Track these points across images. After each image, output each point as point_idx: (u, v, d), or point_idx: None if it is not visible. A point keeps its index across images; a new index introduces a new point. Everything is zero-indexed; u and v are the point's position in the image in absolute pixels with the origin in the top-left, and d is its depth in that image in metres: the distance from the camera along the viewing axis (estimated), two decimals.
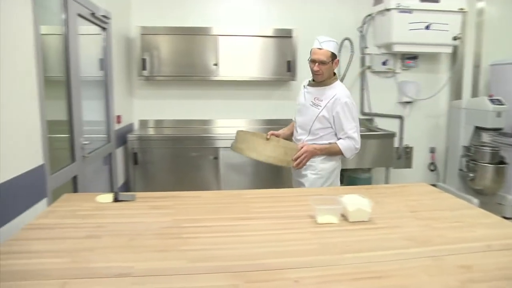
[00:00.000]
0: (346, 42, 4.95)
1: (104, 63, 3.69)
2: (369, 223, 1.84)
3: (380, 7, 4.77)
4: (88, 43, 3.34)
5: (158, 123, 4.95)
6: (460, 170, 4.86)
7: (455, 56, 5.10)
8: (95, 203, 2.08)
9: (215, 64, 4.50)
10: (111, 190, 3.75)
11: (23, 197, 2.04)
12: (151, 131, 4.72)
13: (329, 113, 2.76)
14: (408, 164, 5.34)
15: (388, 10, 4.65)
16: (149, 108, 4.91)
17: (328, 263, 1.44)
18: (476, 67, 5.10)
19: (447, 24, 4.70)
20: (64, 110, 2.81)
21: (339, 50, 4.91)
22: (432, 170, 5.51)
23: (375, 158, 4.60)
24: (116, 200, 2.10)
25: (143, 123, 4.93)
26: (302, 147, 2.77)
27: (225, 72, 4.54)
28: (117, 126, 4.02)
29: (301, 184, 2.92)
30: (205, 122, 5.00)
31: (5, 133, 1.91)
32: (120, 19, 4.19)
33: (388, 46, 4.92)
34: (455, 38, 4.75)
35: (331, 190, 2.52)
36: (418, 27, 4.66)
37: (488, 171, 4.47)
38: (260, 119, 5.04)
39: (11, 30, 2.00)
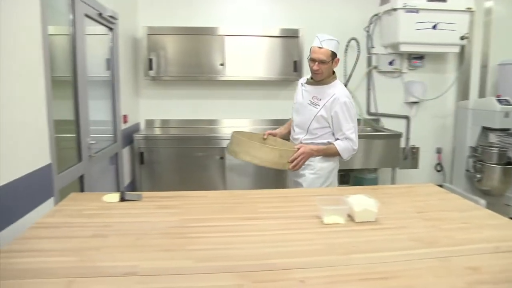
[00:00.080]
0: (353, 42, 4.94)
1: (111, 63, 3.70)
2: (376, 223, 1.83)
3: (387, 6, 4.75)
4: (95, 43, 3.36)
5: (164, 123, 4.96)
6: (467, 170, 4.83)
7: (463, 56, 5.07)
8: (101, 203, 2.08)
9: (222, 64, 4.51)
10: (118, 189, 3.76)
11: (30, 196, 2.05)
12: (157, 131, 4.73)
13: (328, 113, 2.71)
14: (414, 164, 5.32)
15: (394, 9, 4.63)
16: (156, 108, 4.92)
17: (334, 263, 1.44)
18: (484, 67, 5.07)
19: (454, 23, 4.67)
20: (71, 110, 2.82)
21: (345, 50, 4.94)
22: (438, 171, 5.48)
23: (382, 159, 4.59)
24: (122, 199, 2.11)
25: (149, 123, 4.94)
26: (298, 149, 2.71)
27: (231, 72, 4.55)
28: (123, 126, 4.03)
29: (298, 184, 2.86)
30: (211, 122, 5.01)
31: (13, 132, 1.92)
32: (127, 19, 4.21)
33: (394, 46, 4.90)
34: (462, 38, 4.72)
35: (338, 191, 2.51)
36: (425, 26, 4.63)
37: (496, 172, 4.43)
38: (266, 119, 5.04)
39: (20, 30, 2.01)
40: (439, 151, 5.44)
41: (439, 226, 1.81)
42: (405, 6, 4.56)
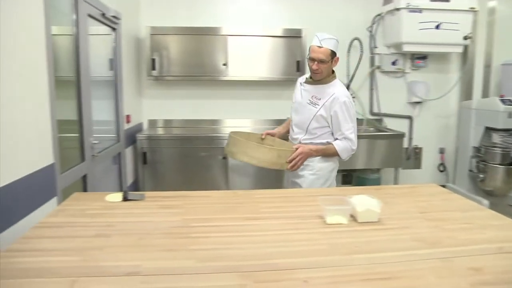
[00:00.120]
0: (356, 42, 4.93)
1: (113, 63, 3.71)
2: (378, 224, 1.82)
3: (390, 6, 4.75)
4: (98, 43, 3.36)
5: (167, 123, 4.97)
6: (470, 171, 4.82)
7: (466, 55, 5.07)
8: (104, 202, 2.09)
9: (224, 64, 4.51)
10: (120, 189, 3.78)
11: (33, 195, 2.06)
12: (160, 131, 4.74)
13: (327, 112, 2.68)
14: (417, 164, 5.31)
15: (397, 9, 4.62)
16: (158, 108, 4.93)
17: (337, 263, 1.43)
18: (487, 66, 5.06)
19: (457, 23, 4.65)
20: (74, 110, 2.83)
21: (348, 50, 4.93)
22: (441, 171, 5.47)
23: (384, 159, 4.58)
24: (125, 199, 2.11)
25: (152, 123, 4.95)
26: (297, 148, 2.68)
27: (234, 72, 4.55)
28: (126, 126, 4.04)
29: (297, 185, 2.82)
30: (214, 122, 5.01)
31: (17, 132, 1.93)
32: (129, 19, 4.22)
33: (397, 46, 4.89)
34: (465, 38, 4.70)
35: (340, 191, 2.51)
36: (428, 26, 4.62)
37: (499, 172, 4.42)
38: (269, 119, 5.04)
39: (23, 30, 2.02)
40: (442, 151, 5.43)
41: (442, 226, 1.80)
42: (408, 6, 4.55)
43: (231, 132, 2.82)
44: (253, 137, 2.99)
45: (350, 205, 1.86)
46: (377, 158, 4.55)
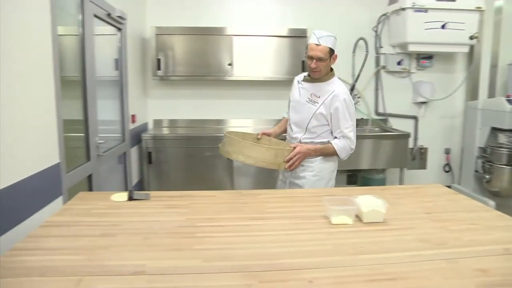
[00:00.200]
0: (361, 41, 4.92)
1: (119, 63, 3.72)
2: (384, 224, 1.82)
3: (395, 6, 4.73)
4: (103, 44, 3.38)
5: (172, 123, 4.98)
6: (476, 171, 4.79)
7: (472, 55, 5.04)
8: (110, 202, 2.10)
9: (230, 64, 4.52)
10: (126, 189, 3.79)
11: (39, 195, 2.07)
12: (165, 131, 4.76)
13: (327, 110, 2.63)
14: (422, 165, 5.29)
15: (403, 9, 4.60)
16: (164, 108, 4.94)
17: (342, 264, 1.43)
18: (493, 66, 5.03)
19: (463, 23, 4.63)
20: (80, 110, 2.84)
21: (354, 50, 4.92)
22: (447, 171, 5.44)
23: (390, 159, 4.57)
24: (130, 199, 2.12)
25: (158, 123, 4.96)
26: (294, 148, 2.62)
27: (239, 72, 4.55)
28: (131, 126, 4.05)
29: (297, 187, 2.76)
30: (219, 122, 5.02)
31: (23, 132, 1.94)
32: (135, 19, 4.23)
33: (403, 45, 4.87)
34: (471, 38, 4.67)
35: (345, 191, 2.50)
36: (434, 26, 4.60)
37: (505, 173, 4.39)
38: (274, 119, 5.02)
39: (29, 31, 2.03)
40: (447, 151, 5.40)
41: (448, 227, 1.80)
42: (413, 5, 4.53)
43: (226, 131, 2.79)
44: (249, 137, 2.93)
45: (355, 205, 1.86)
46: (382, 158, 4.54)
